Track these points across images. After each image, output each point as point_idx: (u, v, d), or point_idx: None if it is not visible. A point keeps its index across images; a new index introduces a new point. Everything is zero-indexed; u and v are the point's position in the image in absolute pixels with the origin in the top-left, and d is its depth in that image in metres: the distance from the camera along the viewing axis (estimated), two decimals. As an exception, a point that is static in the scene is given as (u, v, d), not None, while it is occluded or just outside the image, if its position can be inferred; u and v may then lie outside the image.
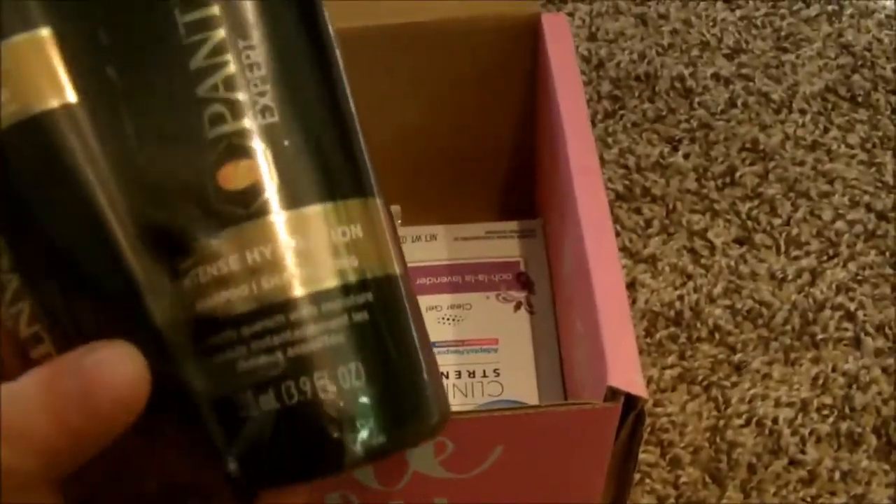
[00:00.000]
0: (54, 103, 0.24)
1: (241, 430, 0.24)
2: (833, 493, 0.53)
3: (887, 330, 0.59)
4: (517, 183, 0.61)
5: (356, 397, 0.24)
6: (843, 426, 0.55)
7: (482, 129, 0.59)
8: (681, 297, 0.61)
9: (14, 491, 0.22)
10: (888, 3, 0.79)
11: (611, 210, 0.63)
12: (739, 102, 0.72)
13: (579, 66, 0.74)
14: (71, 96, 0.24)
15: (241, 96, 0.24)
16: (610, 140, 0.70)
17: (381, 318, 0.25)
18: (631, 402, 0.36)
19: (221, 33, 0.24)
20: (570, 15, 0.78)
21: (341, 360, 0.24)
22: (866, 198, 0.66)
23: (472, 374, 0.51)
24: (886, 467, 0.54)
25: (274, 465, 0.24)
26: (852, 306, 0.60)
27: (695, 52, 0.76)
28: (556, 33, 0.53)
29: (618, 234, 0.64)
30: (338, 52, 0.27)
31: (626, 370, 0.37)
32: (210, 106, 0.24)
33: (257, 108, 0.25)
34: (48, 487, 0.23)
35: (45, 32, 0.24)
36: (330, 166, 0.26)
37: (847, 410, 0.56)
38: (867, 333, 0.59)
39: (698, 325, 0.60)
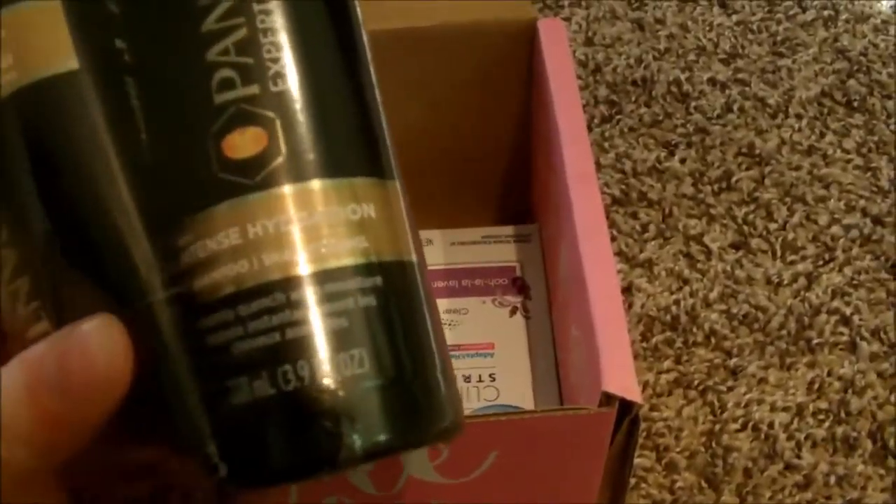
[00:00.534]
0: (56, 70, 0.23)
1: (229, 418, 0.22)
2: (829, 498, 0.53)
3: (883, 334, 0.59)
4: (513, 187, 0.61)
5: (358, 387, 0.23)
6: (839, 431, 0.55)
7: (480, 133, 0.59)
8: (677, 302, 0.61)
9: (12, 483, 0.22)
10: (884, 8, 0.79)
11: (607, 214, 0.63)
12: (736, 107, 0.72)
13: (576, 70, 0.74)
14: (73, 63, 0.23)
15: (253, 61, 0.23)
16: (606, 144, 0.70)
17: (390, 305, 0.24)
18: (626, 407, 0.36)
19: None
20: (567, 20, 0.79)
21: (344, 345, 0.23)
22: (862, 202, 0.66)
23: (467, 379, 0.51)
24: (882, 472, 0.54)
25: (262, 459, 0.23)
26: (848, 311, 0.60)
27: (691, 57, 0.76)
28: (552, 38, 0.53)
29: (614, 239, 0.64)
30: (363, 28, 0.26)
31: (621, 375, 0.37)
32: (219, 70, 0.23)
33: (269, 73, 0.23)
34: (45, 479, 0.23)
35: (51, 1, 0.23)
36: (344, 140, 0.24)
37: (843, 415, 0.56)
38: (863, 338, 0.59)
39: (694, 329, 0.60)
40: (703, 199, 0.66)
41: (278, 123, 0.23)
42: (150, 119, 0.23)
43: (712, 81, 0.74)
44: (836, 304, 0.61)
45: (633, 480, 0.54)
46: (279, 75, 0.23)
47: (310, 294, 0.23)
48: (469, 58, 0.56)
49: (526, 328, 0.53)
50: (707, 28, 0.78)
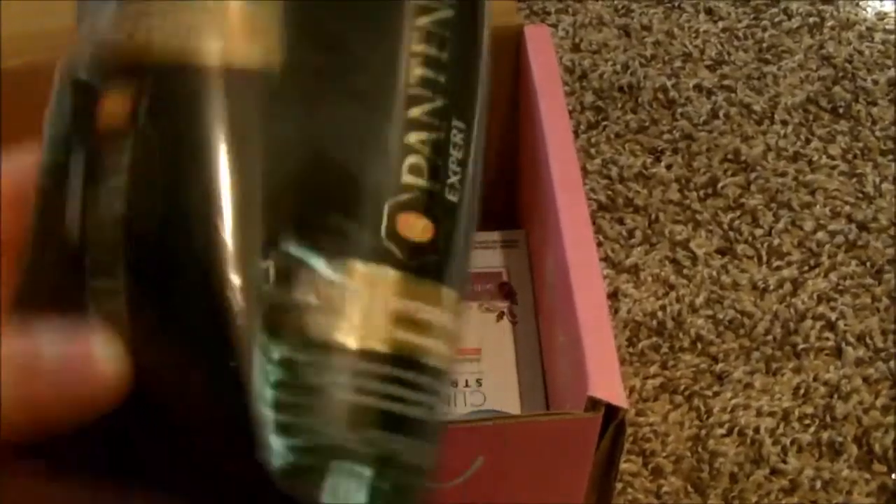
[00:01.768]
0: (261, 65, 0.24)
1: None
2: (814, 503, 0.53)
3: (868, 340, 0.59)
4: (500, 193, 0.62)
5: (417, 458, 0.25)
6: (825, 435, 0.55)
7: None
8: (663, 308, 0.61)
9: None
10: (869, 15, 0.80)
11: (593, 220, 0.63)
12: (721, 114, 0.72)
13: (563, 76, 0.74)
14: (277, 65, 0.24)
15: (441, 162, 0.26)
16: (593, 150, 0.70)
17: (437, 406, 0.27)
18: (612, 412, 0.36)
19: (442, 102, 0.26)
20: (554, 26, 0.79)
21: (419, 435, 0.25)
22: (847, 208, 0.66)
23: (454, 384, 0.51)
24: (868, 476, 0.54)
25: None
26: (833, 316, 0.60)
27: (677, 64, 0.76)
28: (538, 44, 0.53)
29: (600, 245, 0.64)
30: None
31: (607, 381, 0.37)
32: (413, 155, 0.25)
33: (449, 180, 0.26)
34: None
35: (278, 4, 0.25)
36: (466, 259, 0.27)
37: (828, 420, 0.56)
38: (848, 343, 0.59)
39: (680, 335, 0.60)
40: (689, 205, 0.67)
41: (444, 226, 0.26)
42: (335, 152, 0.25)
43: (698, 88, 0.74)
44: (821, 309, 0.61)
45: (619, 485, 0.54)
46: (454, 186, 0.26)
47: (426, 379, 0.25)
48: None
49: (513, 333, 0.54)
50: (693, 35, 0.78)
